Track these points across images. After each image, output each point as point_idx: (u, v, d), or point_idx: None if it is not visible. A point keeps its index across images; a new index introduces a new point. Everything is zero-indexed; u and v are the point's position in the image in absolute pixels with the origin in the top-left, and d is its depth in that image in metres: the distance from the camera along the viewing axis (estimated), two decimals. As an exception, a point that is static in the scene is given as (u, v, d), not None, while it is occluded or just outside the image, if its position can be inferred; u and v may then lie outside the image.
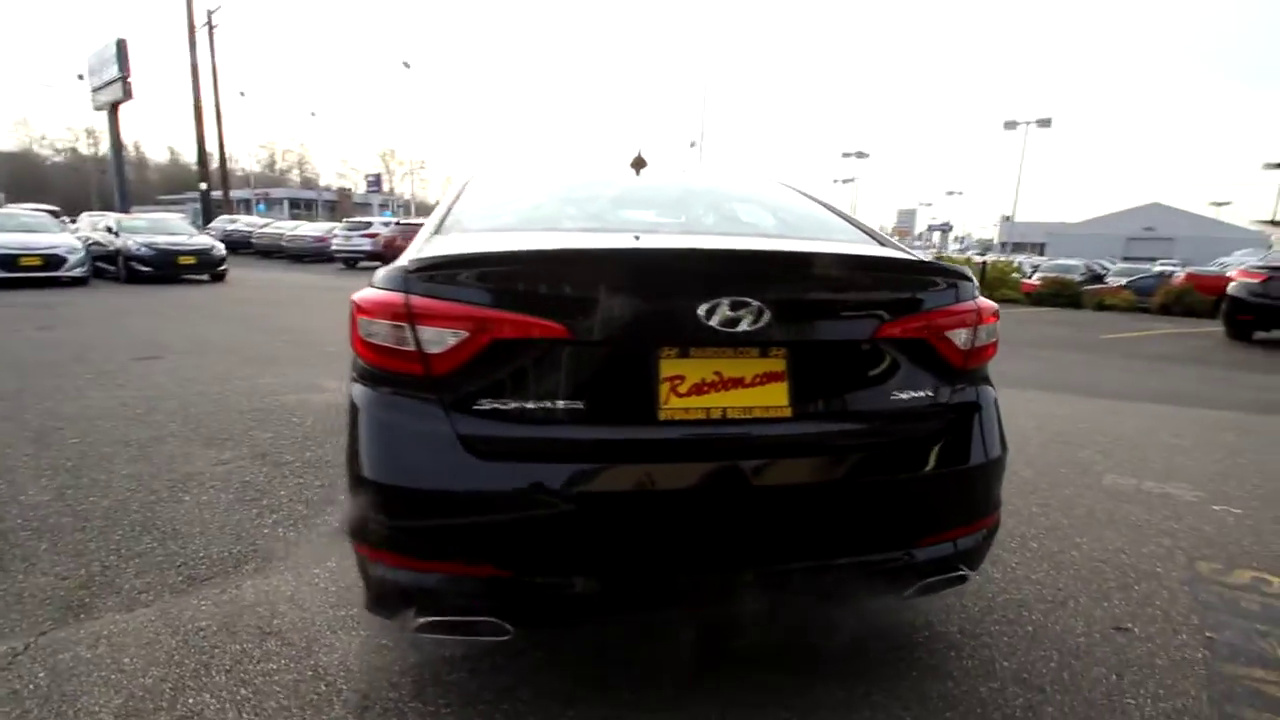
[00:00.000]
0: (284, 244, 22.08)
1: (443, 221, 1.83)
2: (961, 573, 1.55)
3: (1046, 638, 1.89)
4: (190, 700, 1.58)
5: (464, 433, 1.32)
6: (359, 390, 1.45)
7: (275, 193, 57.31)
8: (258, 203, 45.18)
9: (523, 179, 2.43)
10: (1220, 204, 66.97)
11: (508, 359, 1.32)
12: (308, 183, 75.13)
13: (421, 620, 1.35)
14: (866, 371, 1.46)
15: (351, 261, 19.31)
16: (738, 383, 1.38)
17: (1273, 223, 22.28)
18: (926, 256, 1.79)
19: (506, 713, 1.55)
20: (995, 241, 73.50)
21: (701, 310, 1.32)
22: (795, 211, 2.19)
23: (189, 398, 4.25)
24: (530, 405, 1.33)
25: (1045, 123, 22.82)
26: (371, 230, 19.47)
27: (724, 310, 1.32)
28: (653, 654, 1.73)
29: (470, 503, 1.32)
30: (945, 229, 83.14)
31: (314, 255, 21.07)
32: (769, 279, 1.39)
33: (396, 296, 1.36)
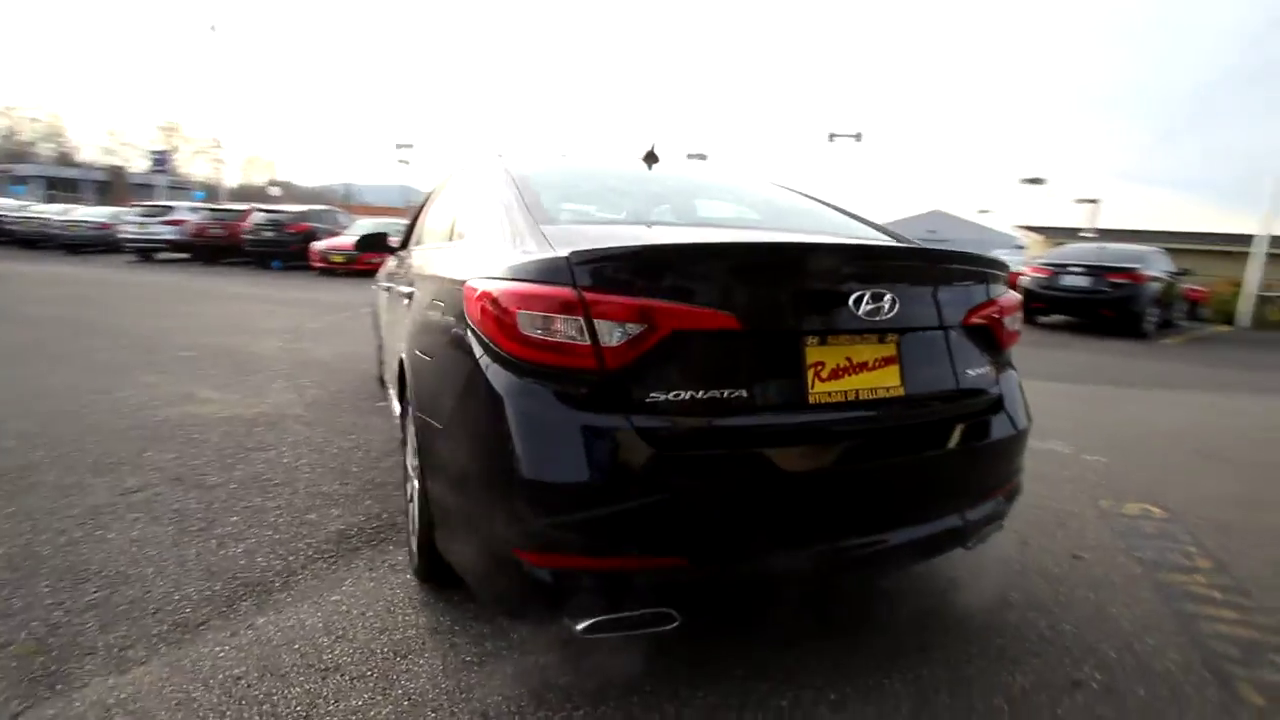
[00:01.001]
0: (54, 231, 18.29)
1: (529, 212, 1.72)
2: (1002, 522, 1.82)
3: (1031, 570, 2.26)
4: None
5: (640, 426, 1.30)
6: (507, 386, 1.34)
7: (21, 169, 46.97)
8: (11, 183, 36.84)
9: (565, 169, 2.33)
10: (984, 211, 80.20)
11: (682, 351, 1.32)
12: (65, 158, 62.48)
13: (592, 620, 1.31)
14: (951, 353, 1.66)
15: (148, 252, 16.58)
16: (863, 366, 1.50)
17: (1030, 228, 27.21)
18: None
19: (638, 705, 1.54)
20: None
21: (851, 301, 1.42)
22: (820, 207, 2.36)
23: (43, 417, 3.47)
24: (700, 395, 1.34)
25: (858, 137, 25.89)
26: (176, 217, 16.82)
27: (866, 301, 1.43)
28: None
29: (648, 495, 1.30)
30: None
31: (95, 244, 17.75)
32: (901, 272, 1.53)
33: (565, 290, 1.29)
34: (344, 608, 1.92)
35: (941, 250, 1.67)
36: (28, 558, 2.11)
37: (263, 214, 15.52)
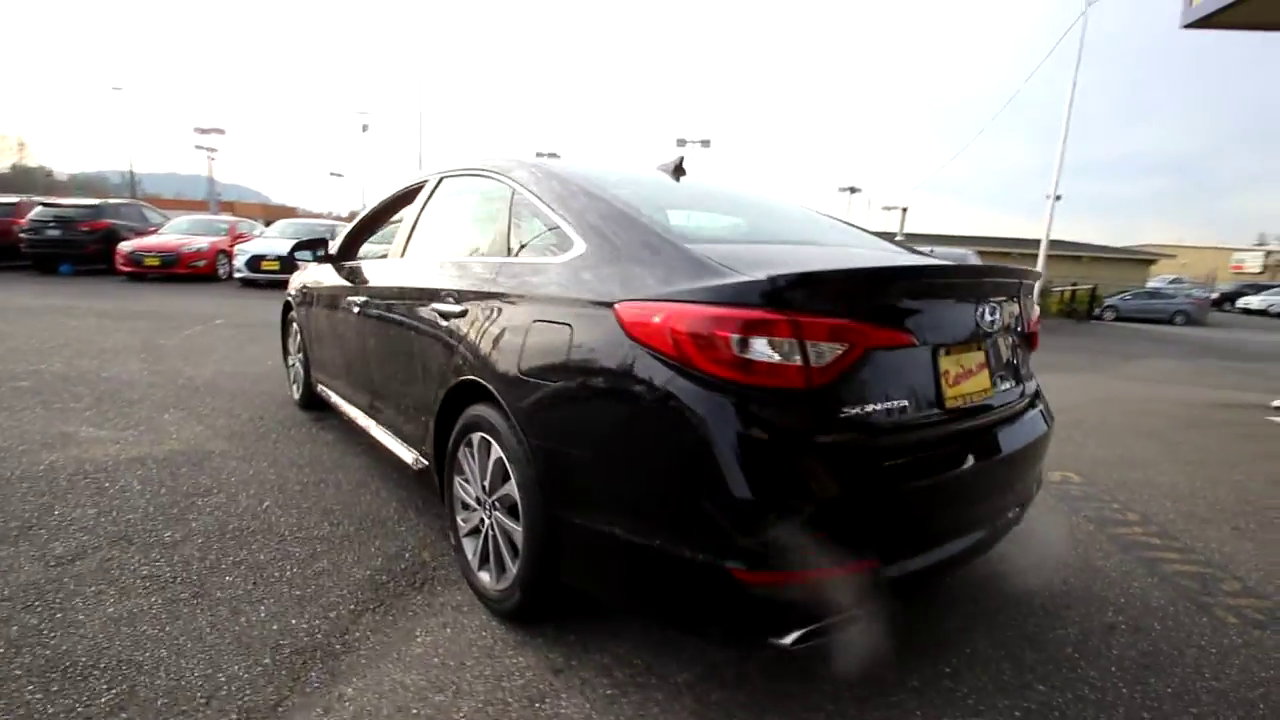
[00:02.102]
0: None
1: (655, 227, 1.67)
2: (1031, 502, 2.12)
3: (1010, 540, 2.64)
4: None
5: (840, 440, 1.35)
6: (714, 408, 1.32)
7: None
8: None
9: (620, 176, 2.25)
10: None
11: (869, 367, 1.40)
12: None
13: (801, 632, 1.35)
14: (1016, 357, 1.90)
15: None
16: (969, 374, 1.68)
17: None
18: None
19: (798, 708, 1.59)
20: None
21: (979, 314, 1.58)
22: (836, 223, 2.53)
23: None
24: (879, 407, 1.42)
25: (706, 143, 27.33)
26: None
27: (986, 315, 1.61)
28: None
29: (850, 504, 1.36)
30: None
31: None
32: (1003, 288, 1.72)
33: (778, 313, 1.30)
34: (436, 660, 1.75)
35: (1024, 269, 1.90)
36: (-17, 660, 1.66)
37: (46, 209, 12.87)
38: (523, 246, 2.01)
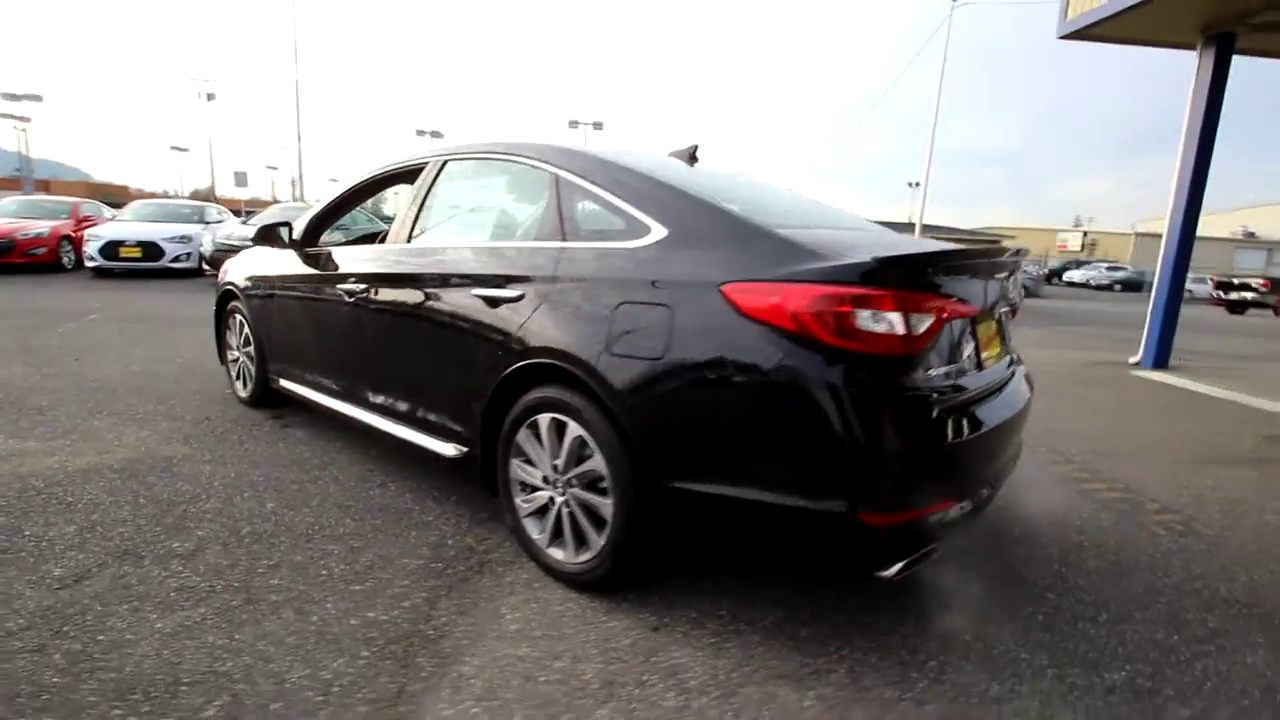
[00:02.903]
0: None
1: (737, 213, 1.79)
2: None
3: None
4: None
5: (929, 397, 1.57)
6: (840, 375, 1.49)
7: None
8: None
9: (664, 163, 2.30)
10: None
11: (945, 334, 1.62)
12: None
13: (901, 564, 1.56)
14: (1008, 326, 2.22)
15: None
16: (990, 340, 1.97)
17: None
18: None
19: (900, 642, 1.82)
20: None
21: (996, 288, 1.86)
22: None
23: None
24: (951, 368, 1.66)
25: (599, 125, 27.30)
26: None
27: (999, 288, 1.89)
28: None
29: (942, 452, 1.58)
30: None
31: None
32: (1010, 266, 2.02)
33: (882, 290, 1.49)
34: (537, 632, 1.80)
35: (1023, 248, 2.20)
36: (40, 691, 1.50)
37: None
38: (579, 231, 2.06)
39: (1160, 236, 5.92)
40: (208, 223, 12.36)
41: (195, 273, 11.26)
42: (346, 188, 3.20)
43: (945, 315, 1.61)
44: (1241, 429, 4.38)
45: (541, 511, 2.10)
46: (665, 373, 1.68)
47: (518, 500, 2.15)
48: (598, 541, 1.91)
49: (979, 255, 1.83)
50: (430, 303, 2.37)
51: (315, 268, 3.08)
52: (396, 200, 3.36)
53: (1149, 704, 1.60)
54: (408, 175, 2.99)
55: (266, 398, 3.68)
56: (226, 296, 3.86)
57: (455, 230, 2.50)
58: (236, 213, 16.74)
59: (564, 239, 2.06)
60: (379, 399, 2.69)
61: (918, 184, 18.22)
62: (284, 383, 3.40)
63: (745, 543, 1.70)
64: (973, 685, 1.64)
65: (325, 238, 3.38)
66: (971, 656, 1.76)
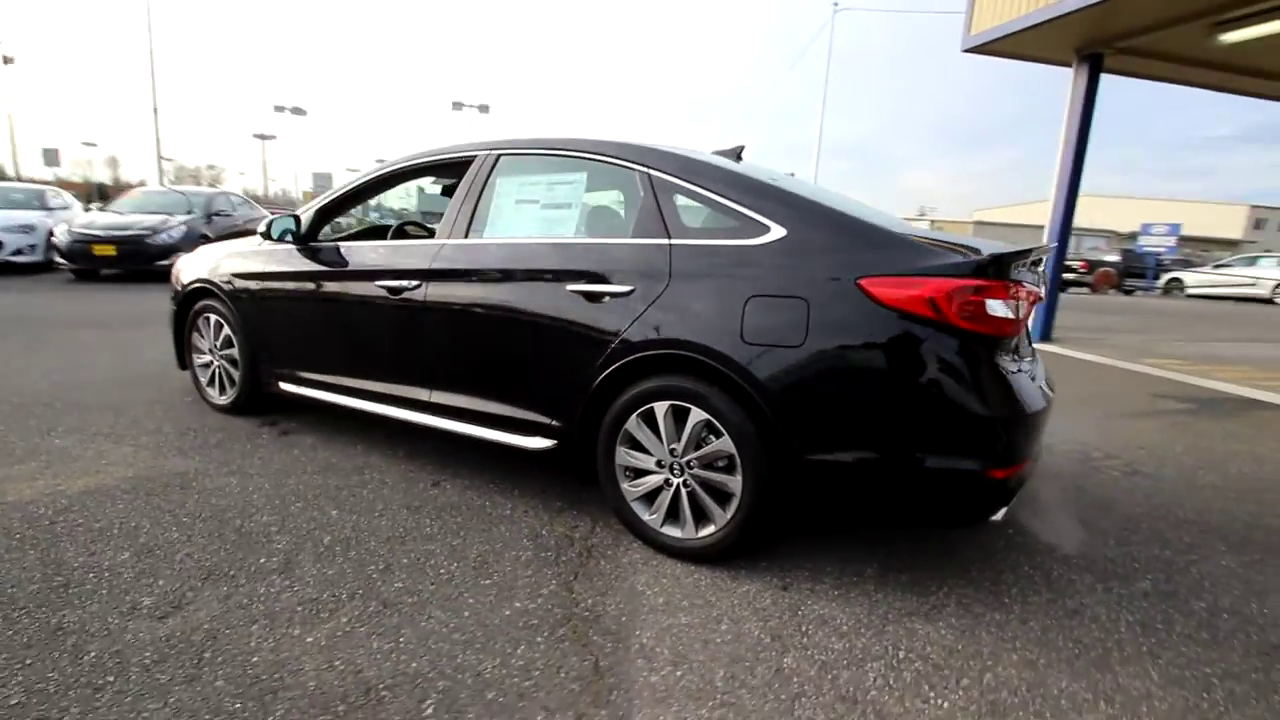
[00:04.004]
0: None
1: (857, 213, 2.00)
2: None
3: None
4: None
5: (1020, 369, 1.90)
6: (973, 353, 1.78)
7: None
8: None
9: (742, 164, 2.43)
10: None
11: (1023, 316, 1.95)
12: None
13: (1004, 510, 1.88)
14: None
15: None
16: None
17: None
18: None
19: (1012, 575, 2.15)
20: (413, 211, 78.99)
21: (1038, 277, 2.23)
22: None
23: None
24: (1028, 346, 2.00)
25: (485, 108, 26.40)
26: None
27: (1035, 279, 2.27)
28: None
29: (1032, 415, 1.91)
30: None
31: None
32: (1039, 260, 2.39)
33: (999, 281, 1.78)
34: (685, 603, 1.94)
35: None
36: (232, 718, 1.44)
37: None
38: (685, 229, 2.18)
39: (994, 225, 6.90)
40: (51, 209, 10.69)
41: (42, 267, 9.75)
42: (360, 180, 3.06)
43: (1031, 302, 1.94)
44: (1130, 388, 5.30)
45: (651, 494, 2.22)
46: (807, 358, 1.88)
47: (624, 486, 2.26)
48: (723, 516, 2.08)
49: (1039, 251, 2.19)
50: (510, 299, 2.39)
51: (337, 264, 2.93)
52: (407, 193, 3.19)
53: (1174, 601, 2.06)
54: (444, 168, 2.93)
55: (252, 403, 3.43)
56: (194, 296, 3.52)
57: (529, 226, 2.50)
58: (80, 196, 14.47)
59: (669, 236, 2.18)
60: (437, 398, 2.64)
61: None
62: (288, 386, 3.19)
63: (876, 502, 1.94)
64: (1052, 602, 2.01)
65: (325, 232, 3.20)
66: (1039, 581, 2.13)
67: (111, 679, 1.53)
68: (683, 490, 2.14)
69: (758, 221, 2.05)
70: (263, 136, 46.25)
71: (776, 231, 2.02)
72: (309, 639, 1.72)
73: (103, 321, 6.18)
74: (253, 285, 3.21)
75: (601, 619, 1.86)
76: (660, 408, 2.12)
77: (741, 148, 2.81)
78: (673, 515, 2.18)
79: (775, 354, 1.92)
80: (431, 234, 3.63)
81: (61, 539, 2.16)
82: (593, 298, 2.21)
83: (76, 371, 4.26)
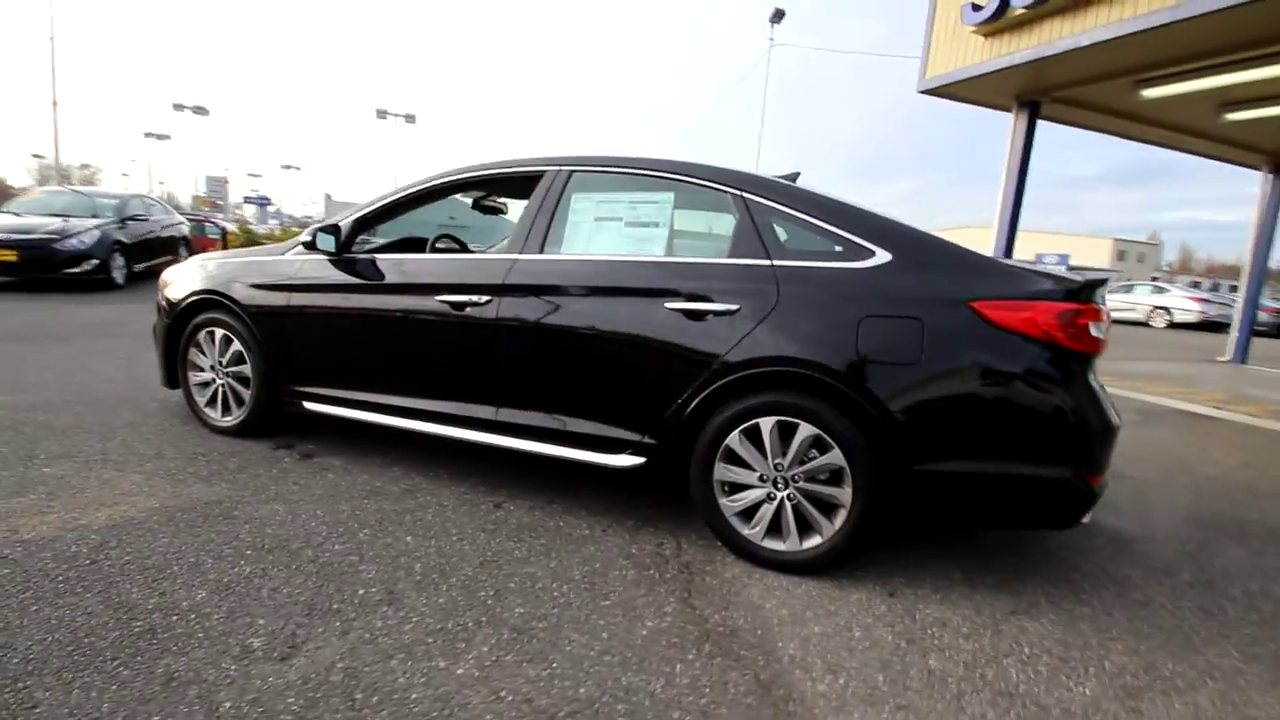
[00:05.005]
0: None
1: (953, 244, 2.15)
2: None
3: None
4: None
5: (1102, 384, 2.10)
6: (1076, 371, 1.97)
7: None
8: None
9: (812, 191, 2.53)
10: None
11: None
12: None
13: (1091, 511, 2.07)
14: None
15: None
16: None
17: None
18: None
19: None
20: (317, 218, 74.77)
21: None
22: None
23: None
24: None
25: (411, 118, 25.58)
26: None
27: None
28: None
29: (1118, 427, 2.11)
30: (263, 202, 78.46)
31: None
32: None
33: (1092, 305, 1.97)
34: (808, 614, 1.99)
35: None
36: (433, 754, 1.34)
37: None
38: (784, 251, 2.26)
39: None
40: (-77, 208, 9.40)
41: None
42: (407, 191, 2.94)
43: (1110, 323, 2.16)
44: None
45: (749, 512, 2.26)
46: (922, 374, 2.00)
47: (722, 501, 2.28)
48: (830, 527, 2.15)
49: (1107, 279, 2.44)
50: (599, 316, 2.38)
51: (383, 277, 2.79)
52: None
53: (1216, 589, 2.33)
54: (504, 183, 2.89)
55: (264, 424, 3.18)
56: (194, 309, 3.23)
57: (612, 243, 2.49)
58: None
59: (769, 257, 2.25)
60: (506, 416, 2.57)
61: (799, 173, 20.35)
62: (316, 406, 2.98)
63: (981, 508, 2.08)
64: (1121, 596, 2.22)
65: (359, 242, 3.04)
66: (1101, 578, 2.35)
67: (266, 729, 1.40)
68: (787, 504, 2.20)
69: (862, 246, 2.17)
70: (157, 135, 42.52)
71: (881, 256, 2.14)
72: (459, 671, 1.63)
73: (21, 334, 5.50)
74: (277, 298, 3.00)
75: (738, 633, 1.88)
76: (766, 423, 2.17)
77: (797, 174, 2.93)
78: (773, 529, 2.23)
79: (891, 370, 2.03)
80: (465, 248, 3.56)
81: (115, 579, 1.92)
82: (695, 316, 2.25)
83: (23, 391, 3.77)
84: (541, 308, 2.47)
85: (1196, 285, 34.29)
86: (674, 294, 2.29)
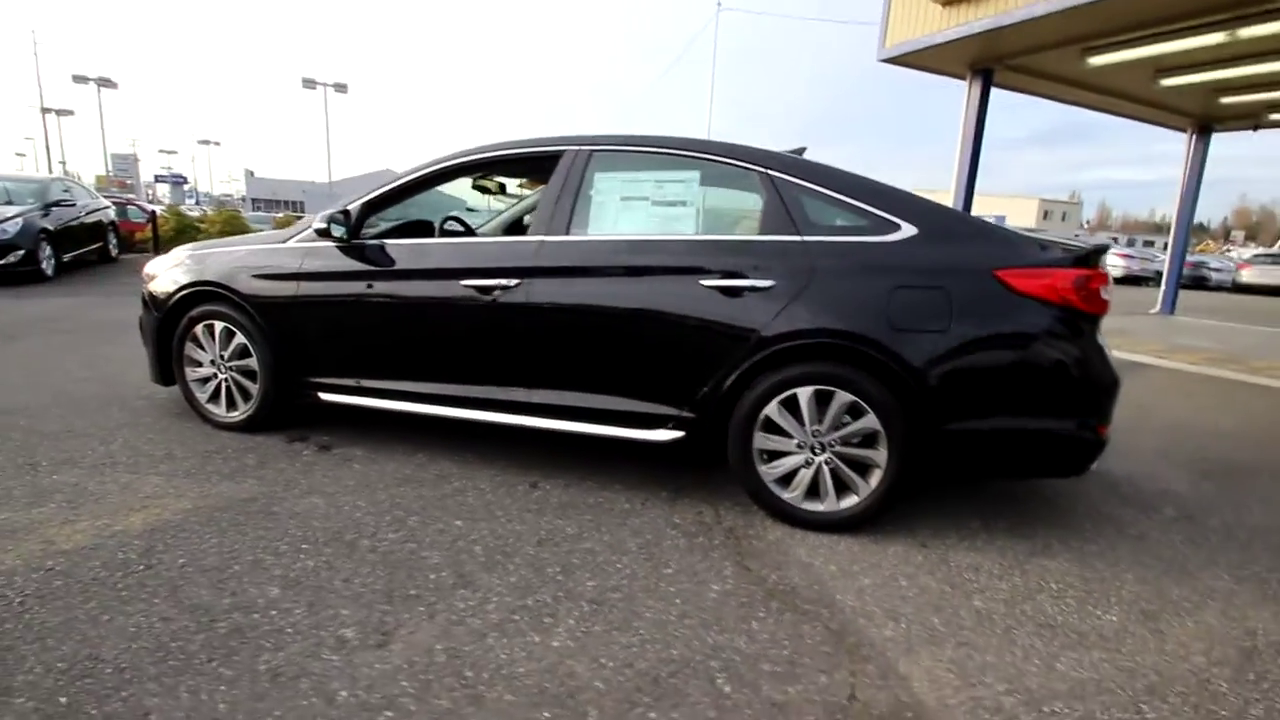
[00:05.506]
0: None
1: (970, 214, 2.27)
2: None
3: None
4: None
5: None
6: (1088, 330, 2.16)
7: None
8: None
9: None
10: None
11: None
12: None
13: (1097, 460, 2.28)
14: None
15: None
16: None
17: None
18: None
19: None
20: (238, 197, 70.68)
21: None
22: None
23: None
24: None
25: (342, 87, 24.29)
26: None
27: None
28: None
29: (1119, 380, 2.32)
30: (178, 180, 73.31)
31: None
32: None
33: (1099, 270, 2.15)
34: (855, 568, 2.14)
35: None
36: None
37: None
38: (814, 226, 2.35)
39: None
40: None
41: None
42: (419, 173, 2.88)
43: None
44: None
45: (787, 477, 2.39)
46: (952, 339, 2.15)
47: (761, 468, 2.40)
48: (866, 487, 2.30)
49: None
50: (635, 295, 2.42)
51: (401, 263, 2.75)
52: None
53: (1197, 522, 2.62)
54: (519, 163, 2.87)
55: (272, 418, 3.11)
56: (188, 302, 3.10)
57: (641, 222, 2.53)
58: None
59: (799, 233, 2.34)
60: (540, 398, 2.61)
61: (804, 148, 20.42)
62: (332, 396, 2.94)
63: (1004, 461, 2.27)
64: (1120, 533, 2.48)
65: (369, 228, 2.97)
66: (1098, 518, 2.60)
67: (391, 714, 1.45)
68: (824, 467, 2.34)
69: (888, 220, 2.28)
70: (57, 111, 39.00)
71: (907, 229, 2.26)
72: (554, 644, 1.71)
73: (-38, 335, 5.11)
74: (285, 288, 2.91)
75: (797, 590, 2.02)
76: (804, 392, 2.29)
77: (803, 149, 3.02)
78: (811, 491, 2.37)
79: (922, 338, 2.17)
80: (471, 230, 3.52)
81: (179, 583, 1.90)
82: (731, 292, 2.33)
83: (9, 394, 3.55)
84: (574, 288, 2.50)
85: (1115, 241, 36.58)
86: (708, 271, 2.36)
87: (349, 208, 2.85)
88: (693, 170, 2.54)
